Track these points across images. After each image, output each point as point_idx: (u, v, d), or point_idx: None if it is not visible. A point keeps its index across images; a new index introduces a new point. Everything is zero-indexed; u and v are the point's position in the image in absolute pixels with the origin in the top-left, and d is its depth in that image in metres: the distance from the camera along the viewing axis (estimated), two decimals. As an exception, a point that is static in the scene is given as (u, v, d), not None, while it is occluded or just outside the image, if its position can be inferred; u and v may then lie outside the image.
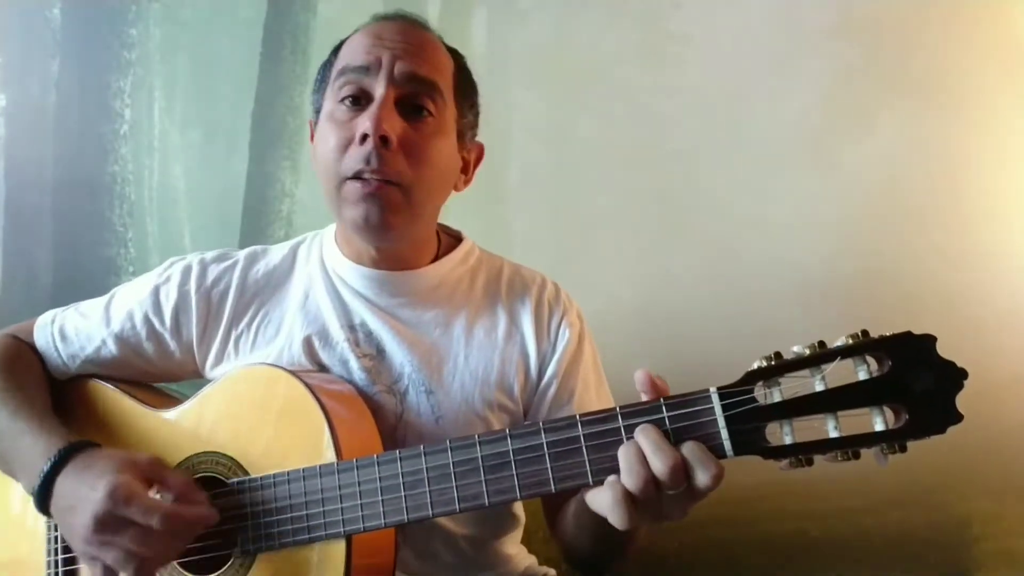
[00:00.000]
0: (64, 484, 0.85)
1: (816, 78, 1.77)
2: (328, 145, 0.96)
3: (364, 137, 0.93)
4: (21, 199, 2.01)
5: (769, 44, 1.80)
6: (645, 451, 0.73)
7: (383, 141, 0.92)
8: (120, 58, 2.03)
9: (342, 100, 0.97)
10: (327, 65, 1.05)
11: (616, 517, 0.73)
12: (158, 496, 0.85)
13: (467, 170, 1.08)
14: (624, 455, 0.74)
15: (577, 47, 1.89)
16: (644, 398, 0.77)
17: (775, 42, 1.80)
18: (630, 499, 0.73)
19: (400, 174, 0.94)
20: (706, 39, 1.82)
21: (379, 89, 0.95)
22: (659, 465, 0.72)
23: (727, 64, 1.80)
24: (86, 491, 0.81)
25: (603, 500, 0.74)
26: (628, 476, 0.73)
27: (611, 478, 0.75)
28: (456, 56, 1.06)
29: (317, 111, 1.04)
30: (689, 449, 0.73)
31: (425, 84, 0.97)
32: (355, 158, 0.94)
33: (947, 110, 1.72)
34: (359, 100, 0.96)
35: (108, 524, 0.80)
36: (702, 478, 0.71)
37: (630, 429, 0.76)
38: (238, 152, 1.98)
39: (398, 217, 0.96)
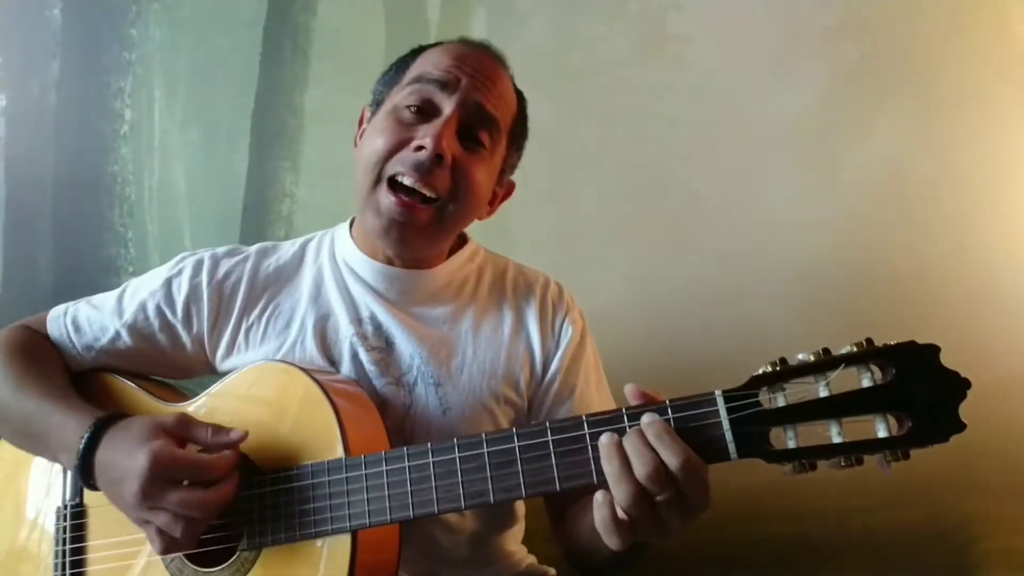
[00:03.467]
0: (104, 456, 0.88)
1: (816, 78, 1.77)
2: (380, 142, 0.99)
3: (420, 147, 0.96)
4: (21, 199, 2.01)
5: (769, 44, 1.80)
6: (628, 451, 0.74)
7: (438, 158, 0.96)
8: (120, 58, 2.03)
9: (408, 106, 1.01)
10: (402, 65, 1.08)
11: (616, 490, 0.73)
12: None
13: (494, 202, 1.13)
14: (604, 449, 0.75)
15: (577, 47, 1.89)
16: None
17: (775, 42, 1.80)
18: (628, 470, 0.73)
19: (441, 191, 0.98)
20: (706, 39, 1.82)
21: (448, 108, 0.99)
22: (640, 469, 0.72)
23: (727, 64, 1.81)
24: (128, 462, 0.84)
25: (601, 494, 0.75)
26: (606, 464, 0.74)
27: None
28: (520, 99, 1.11)
29: (378, 103, 1.07)
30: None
31: (489, 120, 1.03)
32: (404, 162, 0.97)
33: (947, 110, 1.72)
34: (424, 110, 1.00)
35: (155, 490, 0.83)
36: (672, 461, 0.71)
37: None
38: (238, 152, 1.98)
39: (421, 235, 1.00)
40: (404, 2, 1.99)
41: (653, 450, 0.73)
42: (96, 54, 2.03)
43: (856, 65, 1.76)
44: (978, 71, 1.72)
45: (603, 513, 0.75)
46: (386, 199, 0.97)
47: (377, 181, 0.98)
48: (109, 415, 0.92)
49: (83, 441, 0.89)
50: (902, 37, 1.75)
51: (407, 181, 0.96)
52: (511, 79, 1.10)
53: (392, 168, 0.97)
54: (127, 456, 0.85)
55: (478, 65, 1.03)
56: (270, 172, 1.97)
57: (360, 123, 1.10)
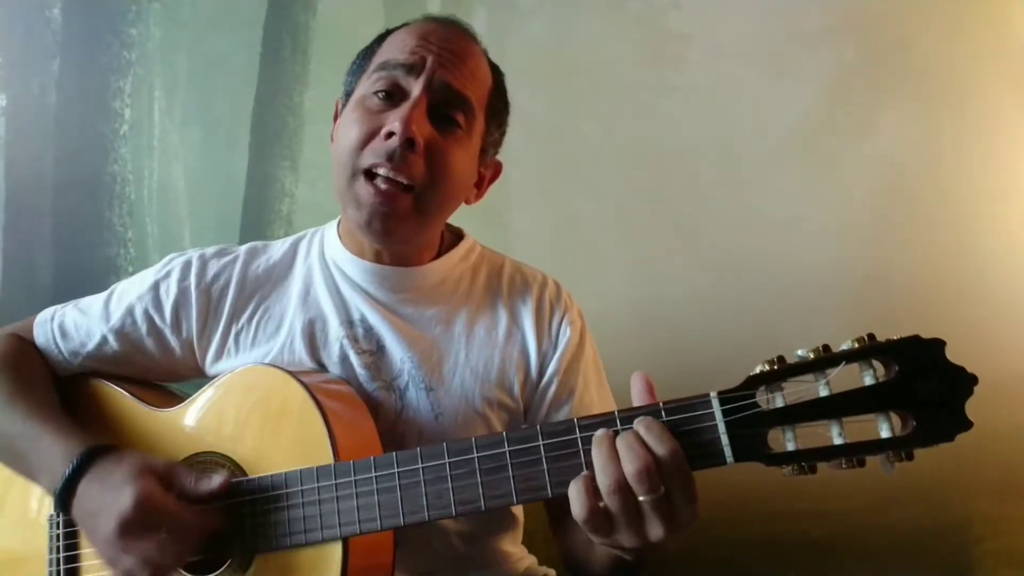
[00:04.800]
0: (88, 488, 0.86)
1: (816, 78, 1.78)
2: (352, 134, 0.96)
3: (390, 134, 0.93)
4: (21, 199, 2.01)
5: (769, 44, 1.80)
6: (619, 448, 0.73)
7: (409, 143, 0.92)
8: (120, 58, 2.03)
9: (376, 92, 0.97)
10: (368, 52, 1.04)
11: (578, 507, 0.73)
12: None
13: (481, 185, 1.08)
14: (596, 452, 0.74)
15: (577, 47, 1.89)
16: (637, 399, 0.77)
17: (775, 42, 1.80)
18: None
19: (417, 178, 0.94)
20: (706, 39, 1.82)
21: (415, 91, 0.95)
22: (629, 466, 0.71)
23: (727, 64, 1.81)
24: (111, 497, 0.82)
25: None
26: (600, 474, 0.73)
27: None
28: (496, 73, 1.06)
29: (348, 94, 1.04)
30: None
31: (460, 98, 0.97)
32: (376, 152, 0.93)
33: (947, 110, 1.72)
34: (392, 95, 0.96)
35: (132, 531, 0.81)
36: (659, 450, 0.71)
37: None
38: (238, 152, 1.98)
39: (404, 224, 0.96)
40: (404, 2, 1.99)
41: (644, 447, 0.71)
42: (96, 54, 2.03)
43: (856, 65, 1.76)
44: (978, 71, 1.72)
45: (584, 498, 0.73)
46: (364, 191, 0.94)
47: (353, 175, 0.95)
48: (98, 446, 0.89)
49: (71, 466, 0.87)
50: (902, 37, 1.75)
51: (382, 171, 0.93)
52: (484, 53, 1.04)
53: (366, 160, 0.94)
54: (112, 491, 0.83)
55: (444, 42, 0.98)
56: (270, 172, 1.97)
57: (335, 117, 1.06)
